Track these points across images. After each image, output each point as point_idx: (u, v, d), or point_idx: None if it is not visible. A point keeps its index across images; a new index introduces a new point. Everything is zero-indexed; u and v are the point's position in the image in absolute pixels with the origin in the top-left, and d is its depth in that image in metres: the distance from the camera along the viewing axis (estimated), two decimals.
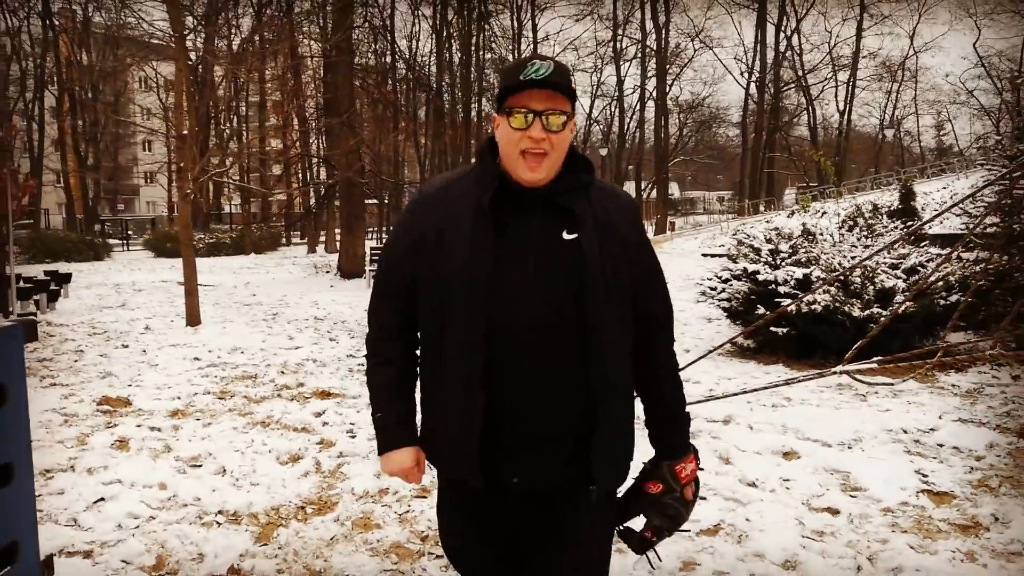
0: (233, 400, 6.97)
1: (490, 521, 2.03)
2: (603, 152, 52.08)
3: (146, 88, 51.24)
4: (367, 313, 2.12)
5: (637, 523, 2.12)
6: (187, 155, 11.33)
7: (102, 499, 4.56)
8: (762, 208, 42.69)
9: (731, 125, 57.41)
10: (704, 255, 11.89)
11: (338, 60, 17.51)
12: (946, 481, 4.60)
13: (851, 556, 3.67)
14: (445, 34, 43.20)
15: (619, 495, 2.13)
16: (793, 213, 15.60)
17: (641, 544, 2.11)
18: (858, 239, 8.86)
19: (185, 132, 11.30)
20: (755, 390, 4.90)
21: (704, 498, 4.43)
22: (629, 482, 2.10)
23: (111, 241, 36.06)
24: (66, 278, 16.71)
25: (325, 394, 7.17)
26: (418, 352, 2.08)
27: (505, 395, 1.87)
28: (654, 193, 46.08)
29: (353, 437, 5.70)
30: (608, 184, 2.06)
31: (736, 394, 4.85)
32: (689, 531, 2.43)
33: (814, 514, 4.18)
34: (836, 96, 50.19)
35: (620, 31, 45.65)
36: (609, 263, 1.90)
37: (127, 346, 10.10)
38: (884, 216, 13.24)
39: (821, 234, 9.62)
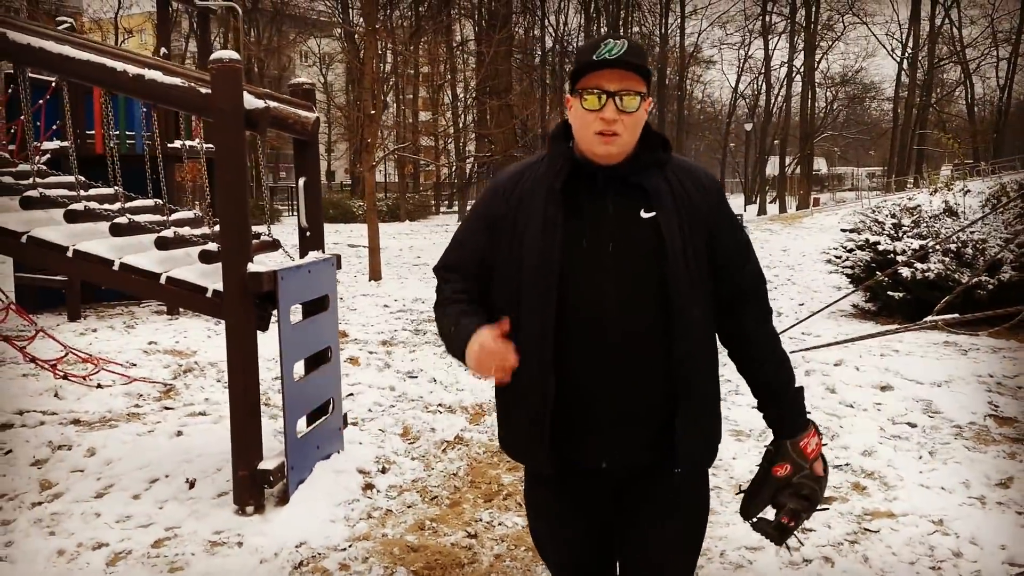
0: (427, 336, 8.60)
1: (579, 507, 2.03)
2: (748, 127, 51.93)
3: (308, 63, 54.57)
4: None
5: (769, 513, 2.07)
6: (374, 132, 13.09)
7: (351, 394, 6.17)
8: (910, 185, 41.88)
9: (884, 100, 55.95)
10: (843, 230, 12.78)
11: (499, 49, 19.06)
12: (1013, 411, 5.65)
13: (916, 451, 4.85)
14: (593, 9, 44.20)
15: (743, 486, 2.09)
16: (936, 190, 15.96)
17: (779, 532, 2.02)
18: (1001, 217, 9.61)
19: (373, 112, 13.03)
20: (851, 340, 6.03)
21: (809, 412, 5.64)
22: (753, 471, 2.09)
23: (278, 207, 39.07)
24: (255, 237, 19.04)
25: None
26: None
27: (585, 378, 1.86)
28: (798, 169, 45.85)
29: None
30: (686, 161, 2.02)
31: (834, 343, 5.99)
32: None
33: (895, 425, 5.34)
34: (996, 71, 48.13)
35: (770, 6, 45.39)
36: (689, 241, 1.87)
37: None
38: None
39: (964, 212, 10.32)
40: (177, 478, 4.40)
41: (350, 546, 3.65)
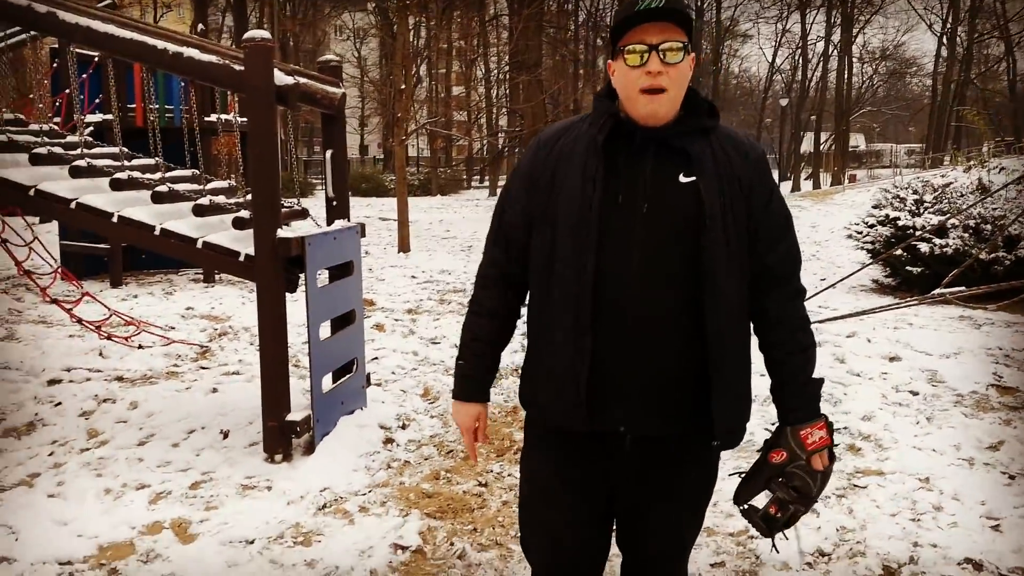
0: (451, 305, 8.89)
1: (583, 474, 1.99)
2: (783, 102, 51.47)
3: (342, 37, 54.83)
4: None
5: (761, 501, 2.03)
6: (405, 107, 13.34)
7: (376, 358, 6.46)
8: (946, 161, 41.36)
9: (925, 75, 55.10)
10: (874, 207, 12.92)
11: (528, 24, 19.23)
12: (1016, 381, 5.81)
13: (914, 416, 5.05)
14: None
15: (743, 471, 2.05)
16: (970, 168, 15.94)
17: (766, 522, 2.00)
18: None
19: (403, 87, 13.28)
20: (861, 313, 6.21)
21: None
22: (755, 456, 2.03)
23: (312, 180, 39.51)
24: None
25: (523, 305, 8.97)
26: (524, 302, 2.07)
27: (611, 340, 1.83)
28: (834, 146, 45.47)
29: None
30: (733, 129, 1.97)
31: (846, 316, 6.18)
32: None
33: (898, 393, 5.53)
34: None
35: None
36: (729, 209, 1.83)
37: None
38: None
39: (997, 189, 10.39)
40: (212, 429, 4.73)
41: (369, 491, 3.95)
